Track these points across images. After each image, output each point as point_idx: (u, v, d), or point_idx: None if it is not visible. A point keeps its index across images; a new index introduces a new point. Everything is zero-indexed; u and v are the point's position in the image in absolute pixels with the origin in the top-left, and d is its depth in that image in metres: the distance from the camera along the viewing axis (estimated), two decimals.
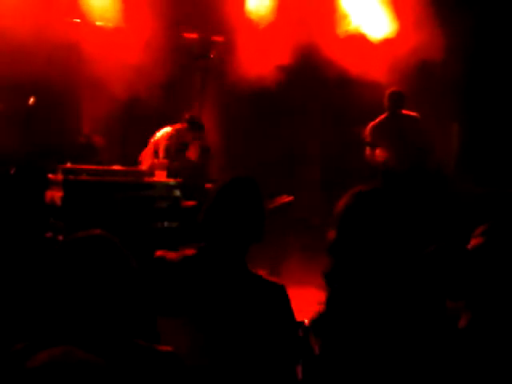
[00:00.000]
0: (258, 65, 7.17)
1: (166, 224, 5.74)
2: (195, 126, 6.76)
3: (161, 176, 6.15)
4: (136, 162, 6.72)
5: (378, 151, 6.87)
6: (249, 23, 7.54)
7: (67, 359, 1.37)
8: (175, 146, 6.67)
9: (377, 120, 6.99)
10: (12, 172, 6.02)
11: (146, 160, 6.70)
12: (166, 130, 6.83)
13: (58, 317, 1.71)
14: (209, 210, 2.50)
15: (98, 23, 7.13)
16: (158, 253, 2.51)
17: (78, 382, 1.36)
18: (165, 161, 6.48)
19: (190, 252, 2.50)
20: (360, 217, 2.27)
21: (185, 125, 6.77)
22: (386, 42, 7.56)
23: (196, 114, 6.97)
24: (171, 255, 2.50)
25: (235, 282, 2.44)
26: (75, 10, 7.04)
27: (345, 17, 7.65)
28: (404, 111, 6.94)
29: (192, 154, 6.79)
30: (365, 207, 2.28)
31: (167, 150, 6.61)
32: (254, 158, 7.67)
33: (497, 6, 7.73)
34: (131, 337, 1.78)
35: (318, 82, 7.84)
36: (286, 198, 7.08)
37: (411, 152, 6.80)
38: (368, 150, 6.94)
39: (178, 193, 5.98)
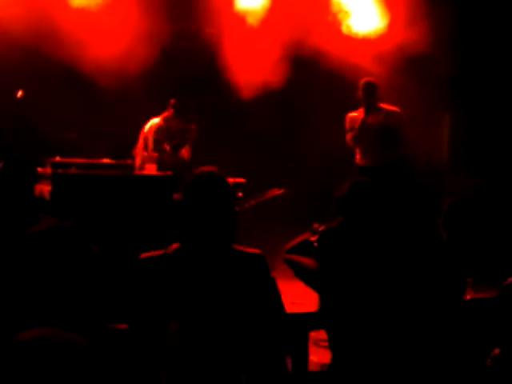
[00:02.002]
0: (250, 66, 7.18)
1: (156, 218, 5.70)
2: (181, 111, 6.67)
3: (151, 169, 6.11)
4: (128, 156, 6.67)
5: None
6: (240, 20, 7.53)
7: (52, 337, 1.40)
8: (166, 140, 6.62)
9: (355, 111, 6.87)
10: (0, 166, 5.98)
11: (138, 153, 6.66)
12: (154, 121, 6.75)
13: (32, 304, 1.76)
14: (179, 208, 2.55)
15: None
16: (143, 255, 2.53)
17: (62, 359, 1.38)
18: (155, 154, 6.43)
19: (171, 249, 2.52)
20: (358, 202, 2.55)
21: (171, 111, 6.70)
22: (377, 36, 7.55)
23: (183, 100, 6.84)
24: (153, 253, 2.52)
25: (221, 262, 2.47)
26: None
27: (335, 12, 7.64)
28: (383, 105, 6.80)
29: (185, 152, 6.74)
30: (360, 196, 2.57)
31: (156, 143, 6.56)
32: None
33: None
34: (96, 319, 1.83)
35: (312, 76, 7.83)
36: (277, 191, 7.06)
37: (386, 147, 6.71)
38: (348, 136, 6.85)
39: (168, 186, 5.94)
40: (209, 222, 2.47)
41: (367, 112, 6.74)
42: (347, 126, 6.84)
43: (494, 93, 7.94)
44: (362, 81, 6.75)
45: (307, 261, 2.63)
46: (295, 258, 2.65)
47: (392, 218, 2.50)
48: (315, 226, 2.78)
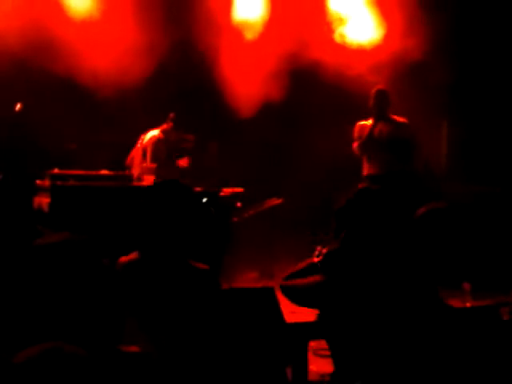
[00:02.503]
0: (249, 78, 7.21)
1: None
2: (179, 125, 6.73)
3: (149, 181, 6.12)
4: (124, 167, 6.69)
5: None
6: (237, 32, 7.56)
7: (56, 354, 1.37)
8: (165, 151, 6.64)
9: (365, 120, 6.63)
10: None
11: (135, 164, 6.67)
12: (153, 133, 6.80)
13: (36, 319, 1.72)
14: (139, 216, 2.58)
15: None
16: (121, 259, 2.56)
17: (66, 376, 1.35)
18: (153, 165, 6.44)
19: (133, 256, 2.55)
20: (359, 211, 2.47)
21: (170, 124, 6.75)
22: (374, 45, 7.58)
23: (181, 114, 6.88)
24: (120, 260, 2.56)
25: (171, 274, 2.49)
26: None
27: (332, 22, 7.67)
28: (392, 116, 6.58)
29: (184, 163, 6.76)
30: (363, 204, 2.48)
31: (155, 154, 6.58)
32: None
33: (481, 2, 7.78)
34: (107, 339, 1.79)
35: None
36: (276, 201, 7.07)
37: (395, 158, 6.46)
38: (355, 144, 6.57)
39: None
40: (165, 232, 2.49)
41: (377, 120, 6.48)
42: (356, 134, 6.59)
43: (491, 99, 7.96)
44: (374, 89, 6.54)
45: (309, 279, 2.61)
46: (292, 282, 2.61)
47: (396, 226, 2.44)
48: (318, 248, 2.76)
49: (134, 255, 2.54)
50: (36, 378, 1.34)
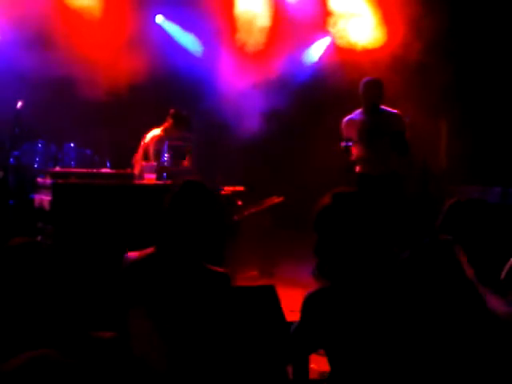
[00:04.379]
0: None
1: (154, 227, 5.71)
2: (180, 121, 6.74)
3: (150, 179, 6.13)
4: (128, 165, 6.70)
5: (353, 149, 6.03)
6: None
7: (43, 362, 1.38)
8: (167, 149, 6.65)
9: (352, 113, 6.18)
10: (0, 176, 6.00)
11: (137, 163, 6.69)
12: (155, 131, 6.82)
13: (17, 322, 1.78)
14: (164, 213, 2.61)
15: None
16: (129, 253, 2.60)
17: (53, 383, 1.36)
18: (154, 163, 6.45)
19: (149, 251, 2.58)
20: (336, 217, 2.35)
21: (171, 121, 6.76)
22: (373, 45, 7.59)
23: (182, 111, 6.88)
24: (133, 254, 2.59)
25: (187, 274, 2.52)
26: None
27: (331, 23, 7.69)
28: (384, 106, 6.13)
29: (185, 161, 6.76)
30: (341, 208, 2.36)
31: (157, 152, 6.59)
32: None
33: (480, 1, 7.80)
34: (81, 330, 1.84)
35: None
36: (276, 199, 7.08)
37: (389, 153, 6.07)
38: (342, 145, 6.03)
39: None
40: (187, 232, 2.53)
41: (367, 112, 6.04)
42: (344, 132, 6.11)
43: (491, 99, 7.97)
44: (364, 80, 6.09)
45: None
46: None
47: (378, 233, 2.37)
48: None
49: (149, 250, 2.58)
50: None
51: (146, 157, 6.66)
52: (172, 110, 6.79)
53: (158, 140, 6.69)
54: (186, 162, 6.74)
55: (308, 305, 2.38)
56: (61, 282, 1.88)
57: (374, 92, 6.03)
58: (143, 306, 2.45)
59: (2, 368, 1.39)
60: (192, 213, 2.55)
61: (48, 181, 5.61)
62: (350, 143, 5.99)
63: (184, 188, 2.61)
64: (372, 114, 6.07)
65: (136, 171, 6.44)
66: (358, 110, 6.16)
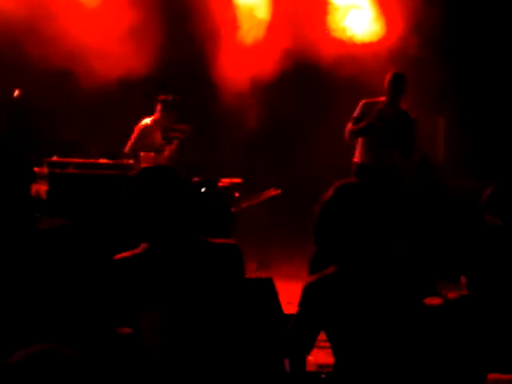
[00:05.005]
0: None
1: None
2: (169, 107, 6.61)
3: None
4: (122, 155, 6.65)
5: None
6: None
7: (49, 356, 1.36)
8: (153, 138, 6.58)
9: (372, 99, 6.16)
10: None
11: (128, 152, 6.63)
12: (145, 120, 6.71)
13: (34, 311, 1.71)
14: (127, 204, 2.53)
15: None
16: (116, 257, 2.53)
17: (58, 379, 1.35)
18: (151, 154, 6.42)
19: (139, 249, 2.50)
20: (340, 209, 2.34)
21: (159, 107, 6.64)
22: (370, 41, 7.57)
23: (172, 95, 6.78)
24: (124, 254, 2.50)
25: (193, 256, 2.45)
26: None
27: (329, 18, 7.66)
28: (403, 105, 6.16)
29: (168, 151, 6.68)
30: (345, 201, 2.35)
31: (139, 141, 6.51)
32: None
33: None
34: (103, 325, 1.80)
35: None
36: (274, 192, 7.06)
37: (395, 149, 6.07)
38: (348, 126, 6.05)
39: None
40: (163, 215, 2.43)
41: (390, 104, 6.02)
42: (358, 112, 6.06)
43: (488, 96, 7.96)
44: (391, 71, 6.09)
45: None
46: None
47: (381, 224, 2.37)
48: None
49: (141, 247, 2.50)
50: (29, 379, 1.34)
51: (134, 146, 6.56)
52: (161, 96, 6.69)
53: (143, 129, 6.59)
54: (168, 152, 6.61)
55: (308, 294, 2.37)
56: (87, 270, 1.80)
57: (398, 86, 6.03)
58: (156, 305, 2.37)
59: (5, 361, 1.38)
60: (158, 197, 2.45)
61: (45, 170, 5.59)
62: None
63: (140, 174, 2.54)
64: (392, 107, 6.07)
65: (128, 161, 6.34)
66: (379, 98, 6.13)
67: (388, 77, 6.06)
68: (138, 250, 2.50)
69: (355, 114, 6.08)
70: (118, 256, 2.49)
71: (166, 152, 6.61)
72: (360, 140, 6.14)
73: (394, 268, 2.33)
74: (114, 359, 1.71)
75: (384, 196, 2.42)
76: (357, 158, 6.22)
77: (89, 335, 1.71)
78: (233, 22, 7.58)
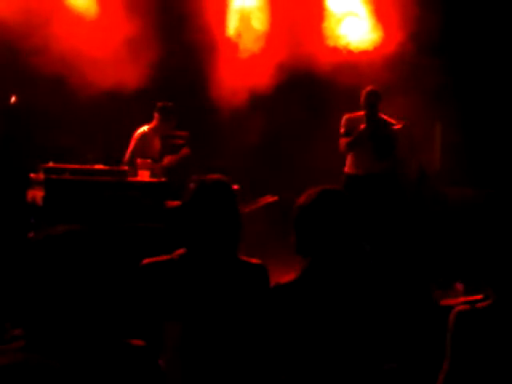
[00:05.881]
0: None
1: (149, 224, 5.69)
2: (167, 115, 6.62)
3: (144, 176, 6.10)
4: (120, 162, 6.64)
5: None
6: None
7: (23, 365, 1.32)
8: (150, 146, 6.58)
9: (353, 114, 6.64)
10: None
11: (127, 161, 6.63)
12: (144, 128, 6.72)
13: (38, 316, 1.67)
14: (186, 213, 2.55)
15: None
16: (146, 260, 2.54)
17: None
18: (148, 160, 6.41)
19: (176, 254, 2.54)
20: (315, 215, 2.38)
21: (157, 116, 6.65)
22: (367, 47, 7.59)
23: (169, 104, 6.79)
24: (158, 259, 2.54)
25: (225, 274, 2.50)
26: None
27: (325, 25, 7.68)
28: (382, 115, 6.63)
29: (166, 159, 6.68)
30: (320, 206, 2.40)
31: (137, 149, 6.52)
32: None
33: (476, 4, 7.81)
34: (111, 334, 1.75)
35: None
36: (270, 199, 7.06)
37: (380, 158, 6.56)
38: (342, 141, 6.58)
39: (161, 193, 5.94)
40: (216, 229, 2.49)
41: (368, 120, 6.51)
42: (344, 128, 6.58)
43: (485, 101, 7.98)
44: (366, 89, 6.56)
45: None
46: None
47: (354, 230, 2.40)
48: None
49: (177, 254, 2.51)
50: None
51: (133, 154, 6.56)
52: (160, 104, 6.70)
53: (141, 137, 6.60)
54: (168, 162, 6.63)
55: (277, 297, 2.40)
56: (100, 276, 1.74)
57: (374, 102, 6.51)
58: (181, 317, 2.39)
59: None
60: (218, 209, 2.51)
61: (41, 176, 5.57)
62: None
63: (205, 185, 2.55)
64: (370, 121, 6.52)
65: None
66: (359, 113, 6.59)
67: (362, 94, 6.56)
68: (174, 256, 2.51)
69: (342, 130, 6.58)
70: (147, 260, 2.51)
71: (166, 160, 6.63)
72: (350, 154, 6.64)
73: (363, 273, 2.36)
74: (114, 371, 1.67)
75: (356, 203, 2.45)
76: (347, 168, 6.68)
77: (93, 343, 1.67)
78: (229, 33, 7.60)
